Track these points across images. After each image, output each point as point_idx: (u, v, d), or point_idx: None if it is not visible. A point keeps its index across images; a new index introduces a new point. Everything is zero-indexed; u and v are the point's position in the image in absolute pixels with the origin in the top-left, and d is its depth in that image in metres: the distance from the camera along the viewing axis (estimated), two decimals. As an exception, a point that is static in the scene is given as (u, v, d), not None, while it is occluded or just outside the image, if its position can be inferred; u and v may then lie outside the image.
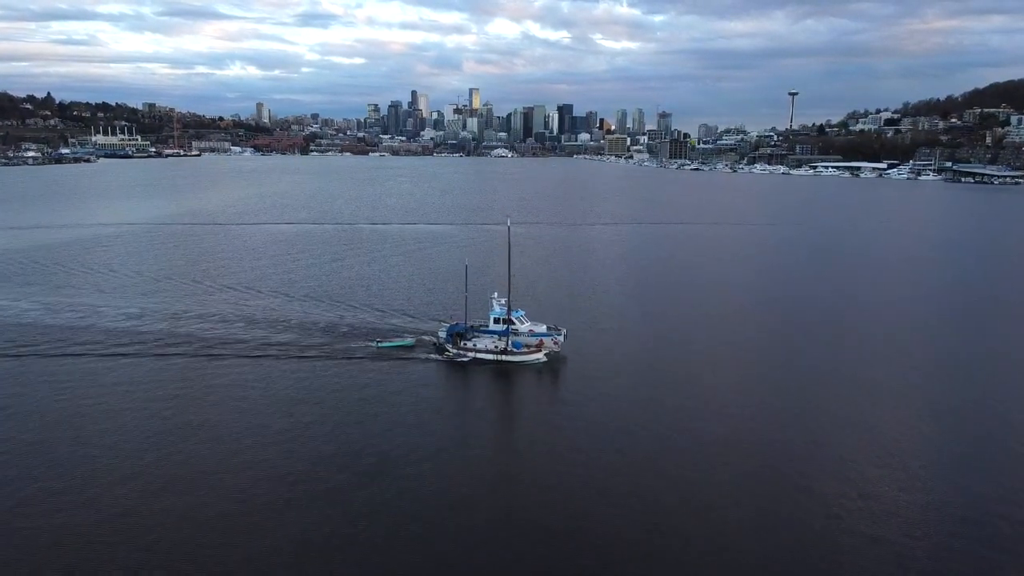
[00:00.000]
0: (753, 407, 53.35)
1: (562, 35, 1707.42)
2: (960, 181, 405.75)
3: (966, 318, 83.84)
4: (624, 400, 54.02)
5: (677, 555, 34.56)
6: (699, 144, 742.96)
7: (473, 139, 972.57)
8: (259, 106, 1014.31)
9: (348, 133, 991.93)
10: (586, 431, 48.18)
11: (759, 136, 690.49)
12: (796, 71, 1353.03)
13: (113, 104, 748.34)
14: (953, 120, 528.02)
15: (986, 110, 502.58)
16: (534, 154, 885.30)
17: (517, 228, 73.04)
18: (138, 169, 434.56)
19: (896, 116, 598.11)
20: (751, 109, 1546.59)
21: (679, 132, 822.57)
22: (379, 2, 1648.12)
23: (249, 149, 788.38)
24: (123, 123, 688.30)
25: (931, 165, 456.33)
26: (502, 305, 64.63)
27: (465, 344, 62.84)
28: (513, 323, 63.93)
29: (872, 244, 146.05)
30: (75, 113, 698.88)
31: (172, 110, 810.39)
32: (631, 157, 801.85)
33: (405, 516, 37.06)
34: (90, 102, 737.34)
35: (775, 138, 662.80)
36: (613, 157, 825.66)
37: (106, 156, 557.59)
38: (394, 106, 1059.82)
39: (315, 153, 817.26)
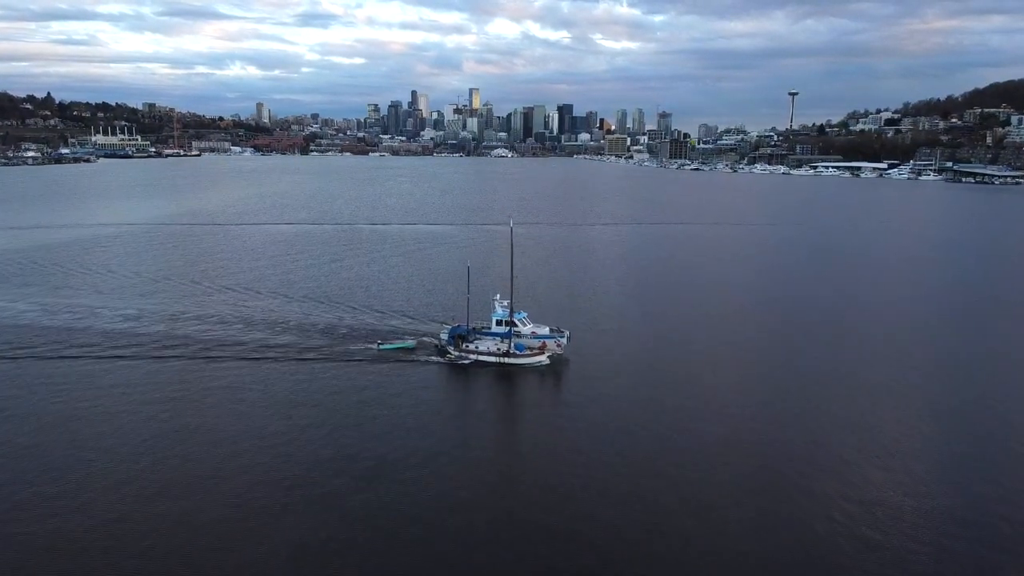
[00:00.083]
0: (753, 407, 53.20)
1: (562, 35, 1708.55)
2: (961, 181, 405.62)
3: (966, 318, 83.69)
4: (624, 400, 53.87)
5: (677, 556, 34.44)
6: (699, 144, 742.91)
7: (473, 139, 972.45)
8: (259, 106, 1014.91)
9: (348, 133, 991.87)
10: (587, 432, 48.01)
11: (759, 136, 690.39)
12: (796, 71, 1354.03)
13: (113, 104, 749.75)
14: (953, 120, 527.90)
15: (986, 110, 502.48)
16: (534, 154, 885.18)
17: (518, 228, 72.85)
18: (138, 169, 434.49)
19: (896, 116, 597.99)
20: (751, 109, 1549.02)
21: (679, 132, 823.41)
22: (379, 2, 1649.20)
23: (249, 149, 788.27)
24: (123, 123, 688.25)
25: (932, 165, 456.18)
26: (504, 307, 64.21)
27: (467, 346, 62.41)
28: (515, 325, 63.45)
29: (872, 244, 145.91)
30: (75, 113, 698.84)
31: (172, 110, 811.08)
32: (631, 157, 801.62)
33: (404, 519, 36.88)
34: (90, 102, 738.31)
35: (775, 138, 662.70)
36: (613, 157, 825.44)
37: (106, 156, 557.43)
38: (394, 106, 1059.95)
39: (315, 153, 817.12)
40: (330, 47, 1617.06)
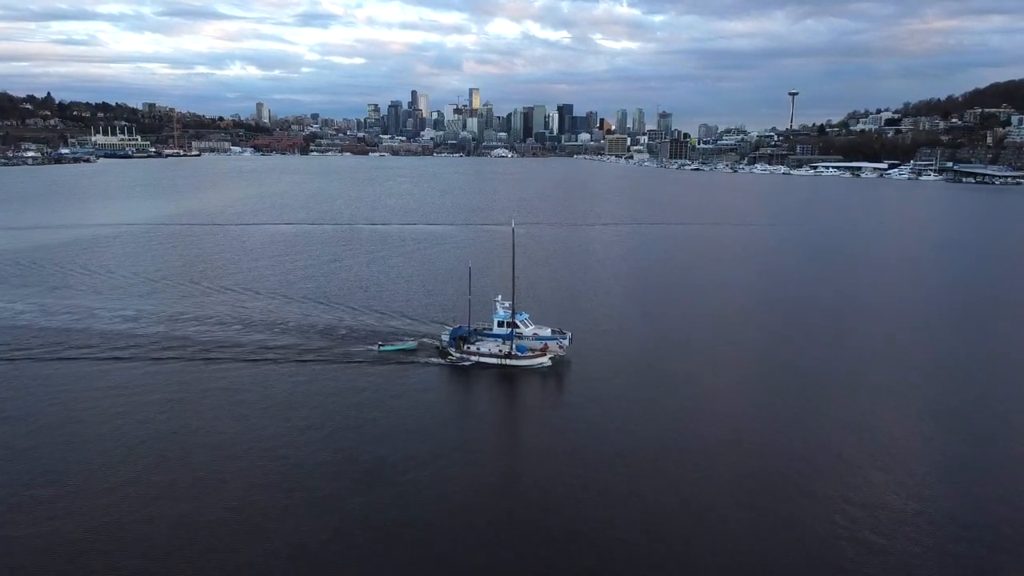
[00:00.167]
0: (754, 408, 53.15)
1: (562, 35, 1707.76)
2: (961, 181, 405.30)
3: (966, 318, 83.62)
4: (625, 400, 53.83)
5: (677, 556, 34.40)
6: (699, 144, 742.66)
7: (473, 139, 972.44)
8: (259, 106, 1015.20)
9: (348, 133, 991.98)
10: (587, 433, 47.93)
11: (759, 136, 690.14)
12: (796, 71, 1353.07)
13: (113, 104, 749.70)
14: (954, 120, 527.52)
15: (987, 110, 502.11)
16: (534, 154, 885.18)
17: (518, 229, 72.64)
18: (138, 169, 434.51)
19: (897, 116, 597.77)
20: (751, 109, 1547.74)
21: (679, 132, 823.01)
22: (379, 2, 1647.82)
23: (249, 149, 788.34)
24: (123, 123, 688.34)
25: (932, 165, 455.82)
26: (506, 308, 63.87)
27: (468, 348, 62.09)
28: (517, 326, 63.12)
29: (873, 244, 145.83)
30: (75, 113, 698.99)
31: (172, 110, 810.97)
32: (631, 157, 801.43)
33: (404, 520, 36.78)
34: (90, 102, 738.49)
35: (775, 138, 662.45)
36: (613, 157, 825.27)
37: (106, 156, 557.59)
38: (394, 106, 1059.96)
39: (315, 153, 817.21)
40: (330, 47, 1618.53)
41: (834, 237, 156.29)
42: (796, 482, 41.52)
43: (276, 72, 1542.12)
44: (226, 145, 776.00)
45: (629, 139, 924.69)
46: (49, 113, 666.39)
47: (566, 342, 62.73)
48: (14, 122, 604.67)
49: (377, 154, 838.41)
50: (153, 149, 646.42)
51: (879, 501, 39.32)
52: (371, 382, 56.31)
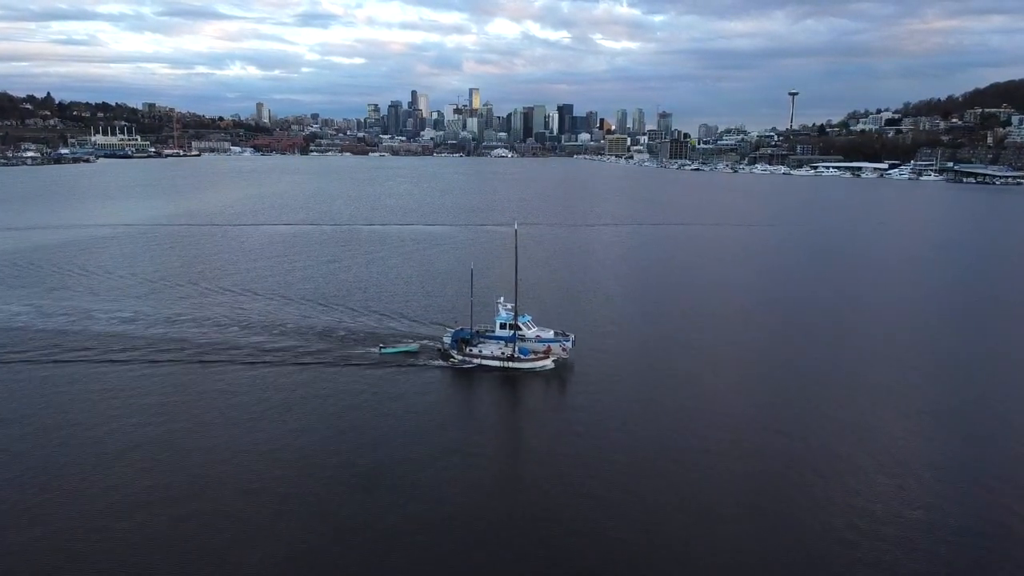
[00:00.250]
0: (754, 408, 53.04)
1: (562, 35, 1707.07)
2: (962, 181, 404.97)
3: (966, 318, 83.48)
4: (625, 401, 53.72)
5: (677, 557, 34.32)
6: (699, 144, 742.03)
7: (473, 139, 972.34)
8: (259, 106, 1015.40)
9: (348, 133, 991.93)
10: (588, 434, 47.82)
11: (759, 136, 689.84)
12: (796, 71, 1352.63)
13: (113, 104, 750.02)
14: (954, 120, 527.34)
15: (987, 110, 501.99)
16: (534, 154, 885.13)
17: (519, 229, 72.41)
18: (137, 169, 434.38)
19: (897, 116, 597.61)
20: (751, 109, 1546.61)
21: (679, 132, 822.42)
22: (379, 2, 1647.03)
23: (249, 149, 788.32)
24: (123, 123, 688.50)
25: (932, 165, 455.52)
26: (508, 310, 63.37)
27: (471, 350, 61.56)
28: (520, 329, 62.66)
29: (873, 244, 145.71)
30: (75, 113, 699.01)
31: (172, 110, 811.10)
32: (631, 157, 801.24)
33: (403, 523, 36.61)
34: (90, 102, 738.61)
35: (776, 138, 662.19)
36: (613, 157, 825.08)
37: (106, 156, 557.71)
38: (394, 106, 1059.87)
39: (315, 153, 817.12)
40: (330, 47, 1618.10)
41: (834, 237, 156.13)
42: (796, 482, 41.42)
43: (276, 72, 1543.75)
44: (226, 145, 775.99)
45: (629, 139, 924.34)
46: (49, 113, 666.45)
47: (569, 344, 62.20)
48: (14, 122, 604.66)
49: (377, 154, 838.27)
50: (153, 149, 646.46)
51: (879, 501, 39.18)
52: (372, 385, 55.98)
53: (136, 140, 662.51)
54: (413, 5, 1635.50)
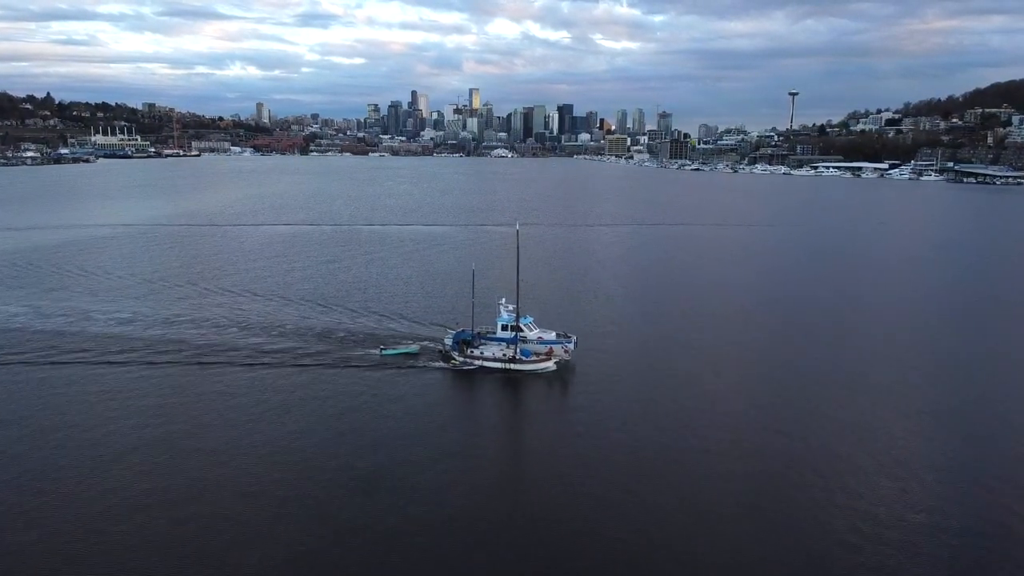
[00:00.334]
0: (754, 408, 52.94)
1: (562, 35, 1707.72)
2: (962, 181, 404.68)
3: (966, 318, 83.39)
4: (625, 401, 53.64)
5: (678, 557, 34.23)
6: (699, 144, 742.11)
7: (473, 139, 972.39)
8: (259, 106, 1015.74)
9: (348, 133, 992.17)
10: (588, 434, 47.72)
11: (760, 136, 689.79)
12: (796, 71, 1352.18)
13: (113, 104, 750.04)
14: (954, 120, 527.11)
15: (987, 110, 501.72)
16: (534, 154, 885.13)
17: (520, 230, 72.27)
18: (137, 169, 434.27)
19: (897, 116, 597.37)
20: (751, 109, 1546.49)
21: (679, 132, 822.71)
22: (379, 2, 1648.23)
23: (249, 149, 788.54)
24: (123, 123, 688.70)
25: (933, 165, 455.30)
26: (510, 311, 63.03)
27: (472, 352, 61.21)
28: (521, 330, 62.26)
29: (873, 245, 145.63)
30: (75, 113, 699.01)
31: (172, 110, 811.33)
32: (631, 157, 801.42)
33: (403, 524, 36.49)
34: (90, 102, 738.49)
35: (776, 138, 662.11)
36: (613, 157, 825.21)
37: (105, 156, 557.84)
38: (394, 106, 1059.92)
39: (315, 153, 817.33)
40: (330, 47, 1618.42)
41: (834, 237, 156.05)
42: (796, 482, 41.33)
43: (276, 72, 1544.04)
44: (226, 145, 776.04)
45: (629, 139, 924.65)
46: (49, 113, 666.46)
47: (571, 346, 61.86)
48: (14, 122, 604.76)
49: (377, 154, 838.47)
50: (153, 149, 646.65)
51: (879, 501, 39.09)
52: (373, 387, 55.74)
53: (136, 140, 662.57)
54: (413, 5, 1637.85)
